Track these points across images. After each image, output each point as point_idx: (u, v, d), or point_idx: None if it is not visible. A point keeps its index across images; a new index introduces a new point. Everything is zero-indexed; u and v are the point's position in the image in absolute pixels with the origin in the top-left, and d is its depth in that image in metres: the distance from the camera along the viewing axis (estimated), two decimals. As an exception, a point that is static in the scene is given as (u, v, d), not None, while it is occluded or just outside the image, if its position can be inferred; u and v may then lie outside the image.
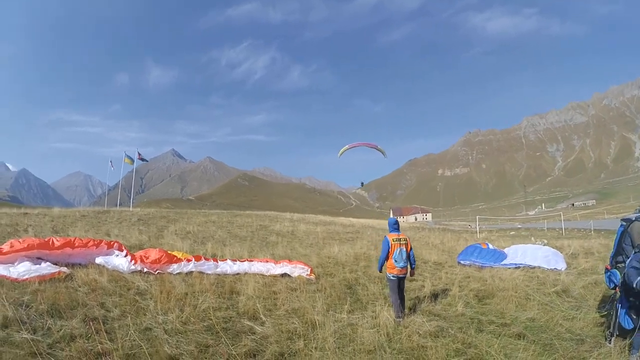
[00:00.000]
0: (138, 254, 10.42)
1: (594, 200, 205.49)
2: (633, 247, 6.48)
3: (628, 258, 6.36)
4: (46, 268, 8.63)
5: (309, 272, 11.37)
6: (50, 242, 9.63)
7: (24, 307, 6.33)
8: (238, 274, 10.78)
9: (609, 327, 6.76)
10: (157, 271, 9.90)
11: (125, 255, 10.14)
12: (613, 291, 7.05)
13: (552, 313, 8.32)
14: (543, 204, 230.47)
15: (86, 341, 5.36)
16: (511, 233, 41.42)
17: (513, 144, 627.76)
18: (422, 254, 17.09)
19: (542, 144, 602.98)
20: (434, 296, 9.72)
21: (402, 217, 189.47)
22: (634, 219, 6.77)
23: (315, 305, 7.93)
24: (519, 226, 62.40)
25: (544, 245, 18.58)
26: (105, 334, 5.55)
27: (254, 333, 6.37)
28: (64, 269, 8.91)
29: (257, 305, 7.69)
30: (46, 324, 5.77)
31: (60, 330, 5.63)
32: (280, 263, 11.66)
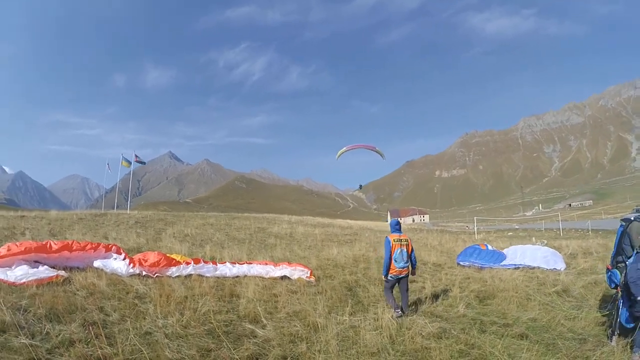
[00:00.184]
0: (136, 257, 10.32)
1: (591, 201, 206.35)
2: (632, 248, 6.50)
3: (628, 258, 6.41)
4: (44, 272, 8.54)
5: (308, 275, 11.32)
6: (48, 246, 9.53)
7: (21, 312, 6.23)
8: (237, 276, 10.72)
9: (610, 326, 6.78)
10: (156, 274, 9.81)
11: (124, 259, 10.04)
12: (614, 291, 7.08)
13: (554, 313, 8.31)
14: (540, 205, 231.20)
15: (85, 346, 5.27)
16: (509, 234, 41.54)
17: (510, 145, 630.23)
18: (421, 255, 17.08)
19: (539, 144, 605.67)
20: (435, 297, 9.69)
21: (399, 218, 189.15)
22: (632, 219, 6.78)
23: (317, 308, 7.87)
24: (517, 227, 62.58)
25: (543, 245, 18.61)
26: (104, 338, 5.45)
27: (256, 336, 6.30)
28: (62, 272, 8.82)
29: (258, 308, 7.62)
30: (44, 329, 5.66)
31: (59, 335, 5.54)
32: (279, 265, 11.60)
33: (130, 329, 6.03)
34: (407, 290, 8.36)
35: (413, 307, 8.76)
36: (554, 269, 13.44)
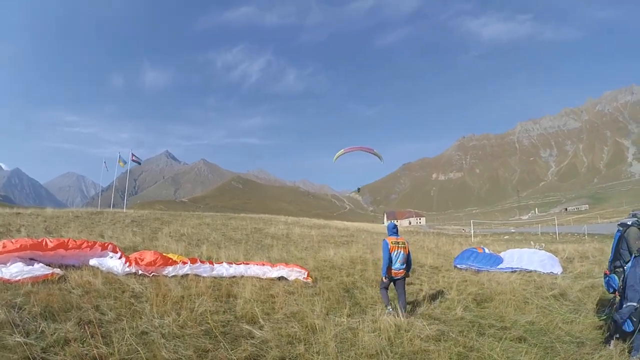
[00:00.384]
0: (133, 255, 10.24)
1: (587, 205, 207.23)
2: (630, 252, 6.53)
3: (625, 263, 6.47)
4: (39, 269, 8.46)
5: (306, 276, 11.27)
6: (44, 243, 9.44)
7: (16, 309, 6.15)
8: (234, 277, 10.66)
9: (608, 330, 6.80)
10: (152, 273, 9.74)
11: (120, 257, 9.95)
12: (611, 295, 7.12)
13: (551, 316, 8.34)
14: (536, 209, 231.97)
15: (81, 345, 5.20)
16: (505, 237, 41.65)
17: (507, 149, 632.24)
18: (418, 257, 17.08)
19: (535, 149, 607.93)
20: (433, 300, 9.70)
21: (396, 221, 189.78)
22: (630, 223, 6.81)
23: (314, 309, 7.84)
24: (513, 230, 62.76)
25: (541, 248, 18.66)
26: (100, 337, 5.39)
27: (253, 337, 6.26)
28: (58, 270, 8.74)
29: (255, 309, 7.58)
30: (39, 327, 5.59)
31: (54, 333, 5.47)
32: (276, 266, 11.55)
33: (127, 328, 5.96)
34: (405, 292, 8.43)
35: (411, 309, 8.74)
36: (551, 272, 13.48)
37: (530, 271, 13.61)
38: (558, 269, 13.79)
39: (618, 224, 7.18)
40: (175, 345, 5.59)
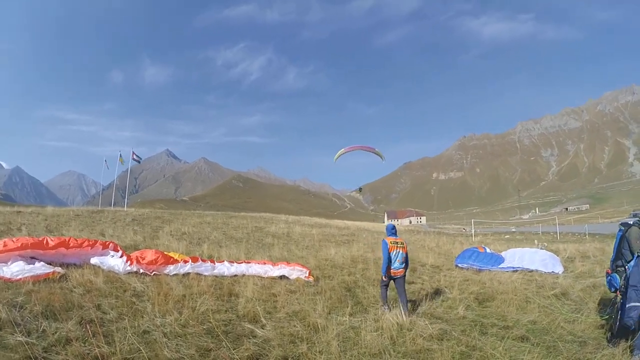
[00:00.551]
0: (134, 254, 10.23)
1: (588, 205, 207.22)
2: (632, 252, 6.57)
3: (627, 262, 6.52)
4: (40, 268, 8.45)
5: (307, 275, 11.27)
6: (45, 242, 9.43)
7: (17, 309, 6.13)
8: (236, 275, 10.66)
9: (610, 330, 6.79)
10: (154, 272, 9.73)
11: (121, 256, 9.95)
12: (613, 294, 7.14)
13: (553, 316, 8.32)
14: (537, 208, 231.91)
15: (82, 344, 5.19)
16: (506, 237, 41.64)
17: (507, 149, 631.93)
18: (419, 256, 17.07)
19: (536, 148, 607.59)
20: (435, 299, 9.68)
21: (396, 220, 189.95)
22: (631, 223, 6.83)
23: (316, 308, 7.84)
24: (514, 230, 62.75)
25: (544, 247, 18.63)
26: (102, 337, 5.37)
27: (255, 336, 6.25)
28: (59, 269, 8.73)
29: (257, 307, 7.57)
30: (41, 326, 5.58)
31: (56, 332, 5.46)
32: (278, 265, 11.54)
33: (128, 327, 5.94)
34: (405, 290, 8.50)
35: (413, 308, 8.73)
36: (552, 272, 13.46)
37: (532, 270, 13.58)
38: (559, 269, 13.78)
39: (620, 224, 7.20)
40: (177, 345, 5.58)
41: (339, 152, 14.35)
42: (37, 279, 7.86)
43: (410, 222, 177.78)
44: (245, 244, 18.15)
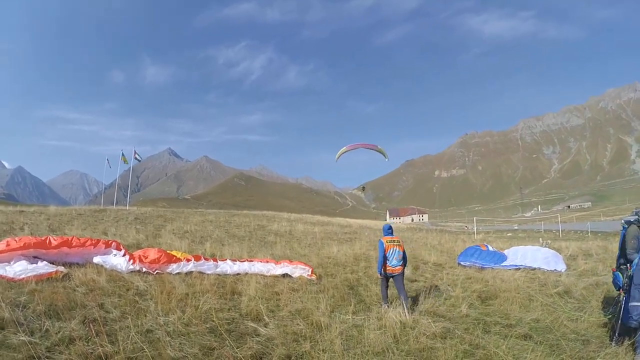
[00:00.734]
0: (136, 253, 10.26)
1: (590, 203, 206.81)
2: (623, 250, 6.76)
3: (628, 261, 6.57)
4: (43, 267, 8.47)
5: (310, 273, 11.26)
6: (47, 241, 9.46)
7: (21, 308, 6.14)
8: (238, 274, 10.66)
9: (613, 328, 6.78)
10: (156, 271, 9.74)
11: (124, 255, 9.98)
12: (617, 292, 7.14)
13: (556, 314, 8.28)
14: (539, 206, 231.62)
15: (86, 344, 5.19)
16: (508, 234, 41.56)
17: (509, 146, 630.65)
18: (421, 254, 17.04)
19: (538, 146, 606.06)
20: (437, 297, 9.65)
21: (398, 218, 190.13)
22: (632, 221, 6.84)
23: (319, 307, 7.82)
24: (516, 227, 62.63)
25: (547, 245, 18.57)
26: (105, 336, 5.38)
27: (259, 335, 6.25)
28: (61, 268, 8.75)
29: (260, 306, 7.58)
30: (44, 326, 5.58)
31: (59, 332, 5.46)
32: (280, 263, 11.54)
33: (131, 326, 5.96)
34: (404, 287, 8.58)
35: (414, 306, 8.71)
36: (555, 270, 13.39)
37: (534, 268, 13.52)
38: (562, 267, 13.71)
39: (623, 222, 7.19)
40: (180, 343, 5.58)
41: (341, 151, 14.26)
42: (40, 279, 7.88)
43: (413, 220, 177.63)
44: (247, 242, 18.18)
